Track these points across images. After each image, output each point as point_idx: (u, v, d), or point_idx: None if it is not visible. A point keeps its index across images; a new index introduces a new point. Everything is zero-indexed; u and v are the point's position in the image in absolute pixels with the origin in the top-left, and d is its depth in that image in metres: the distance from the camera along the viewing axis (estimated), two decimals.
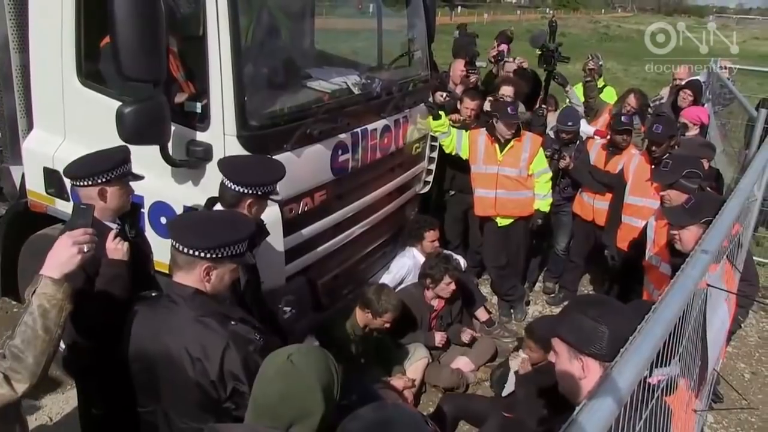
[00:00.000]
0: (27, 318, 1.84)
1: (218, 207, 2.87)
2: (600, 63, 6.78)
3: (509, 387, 3.72)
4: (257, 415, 1.72)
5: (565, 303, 5.36)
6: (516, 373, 3.69)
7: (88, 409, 3.03)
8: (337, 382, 1.76)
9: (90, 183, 2.65)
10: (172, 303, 2.18)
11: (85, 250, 1.97)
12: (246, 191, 2.78)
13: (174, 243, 2.16)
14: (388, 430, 1.41)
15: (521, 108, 5.77)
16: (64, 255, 1.93)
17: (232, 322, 2.19)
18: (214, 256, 2.15)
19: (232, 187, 2.79)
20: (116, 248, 2.58)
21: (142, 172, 3.25)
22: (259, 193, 2.82)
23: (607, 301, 2.12)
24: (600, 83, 6.75)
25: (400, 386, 3.97)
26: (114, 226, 2.77)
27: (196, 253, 2.13)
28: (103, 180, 2.67)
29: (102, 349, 2.56)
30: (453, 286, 4.41)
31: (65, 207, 3.69)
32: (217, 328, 2.12)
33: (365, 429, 1.41)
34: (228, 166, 2.90)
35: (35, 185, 3.78)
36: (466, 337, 4.57)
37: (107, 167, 2.67)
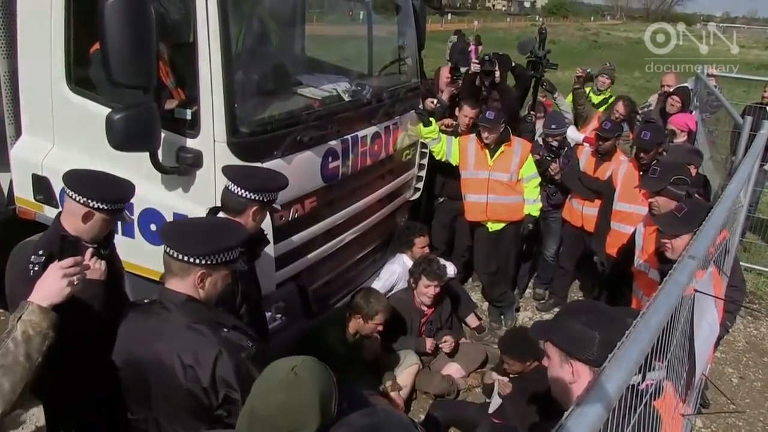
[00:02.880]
0: (9, 343, 1.81)
1: (221, 215, 2.86)
2: (600, 76, 6.92)
3: (495, 403, 3.72)
4: (252, 423, 1.72)
5: (555, 309, 5.40)
6: (499, 394, 3.69)
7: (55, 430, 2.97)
8: (335, 396, 1.76)
9: (80, 201, 2.55)
10: (165, 310, 2.18)
11: (75, 281, 1.96)
12: (253, 197, 2.79)
13: (168, 250, 2.16)
14: None
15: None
16: (54, 286, 1.92)
17: (225, 329, 2.18)
18: (209, 262, 2.15)
19: (239, 193, 2.79)
20: (94, 268, 2.50)
21: (131, 179, 3.25)
22: (265, 200, 2.83)
23: (599, 307, 2.13)
24: (607, 93, 6.88)
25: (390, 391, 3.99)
26: (89, 245, 2.71)
27: (192, 260, 2.13)
28: (93, 206, 2.56)
29: (75, 370, 2.53)
30: (433, 290, 4.41)
31: (54, 214, 3.66)
32: (209, 335, 2.12)
33: None
34: (234, 172, 2.91)
35: (24, 192, 3.76)
36: (446, 347, 4.53)
37: (106, 197, 2.56)
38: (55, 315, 1.90)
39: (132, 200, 3.27)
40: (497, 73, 5.57)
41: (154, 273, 3.34)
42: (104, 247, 2.73)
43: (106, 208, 2.56)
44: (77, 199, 2.54)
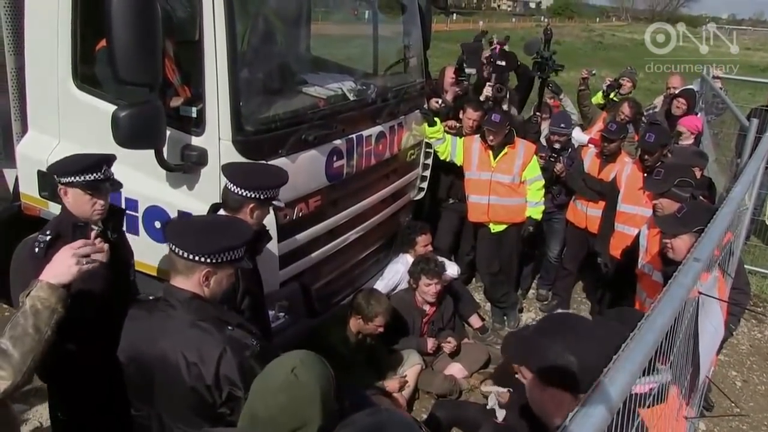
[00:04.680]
0: (19, 317, 1.88)
1: (221, 212, 2.87)
2: (622, 80, 6.91)
3: (500, 413, 3.72)
4: (254, 423, 1.72)
5: (559, 310, 5.38)
6: (499, 402, 3.68)
7: (55, 415, 3.03)
8: (334, 387, 1.77)
9: (57, 180, 2.73)
10: (170, 307, 2.18)
11: (84, 262, 2.02)
12: (248, 195, 2.79)
13: (173, 248, 2.16)
14: None
15: (513, 111, 5.80)
16: (63, 265, 1.99)
17: (229, 327, 2.19)
18: (214, 261, 2.16)
19: (235, 191, 2.80)
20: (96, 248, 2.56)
21: (137, 176, 3.26)
22: (261, 197, 2.83)
23: (574, 324, 1.96)
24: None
25: (395, 387, 3.98)
26: (95, 227, 2.80)
27: (197, 258, 2.14)
28: (63, 181, 2.72)
29: (73, 351, 2.56)
30: (434, 288, 4.40)
31: (59, 210, 3.67)
32: (214, 333, 2.12)
33: None
34: (231, 170, 2.92)
35: (29, 188, 3.77)
36: (448, 348, 4.53)
37: (68, 170, 2.71)
38: (63, 291, 1.97)
39: (137, 197, 3.32)
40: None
41: (158, 270, 3.35)
42: (111, 230, 2.82)
43: (71, 181, 2.70)
44: (55, 179, 2.74)
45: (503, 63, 5.97)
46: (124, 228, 3.38)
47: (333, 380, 1.79)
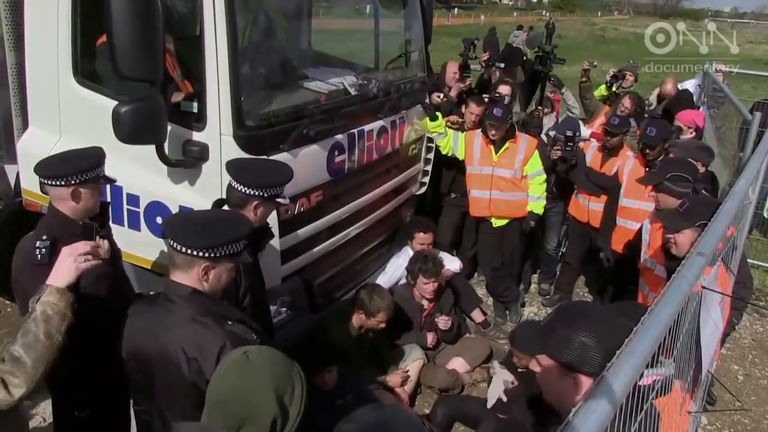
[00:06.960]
0: (30, 324, 1.89)
1: (225, 208, 2.86)
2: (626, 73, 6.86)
3: (492, 397, 3.73)
4: (210, 411, 1.69)
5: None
6: (504, 385, 3.69)
7: (68, 415, 2.98)
8: (302, 393, 1.70)
9: (63, 183, 2.62)
10: (170, 302, 2.18)
11: (82, 261, 2.04)
12: (252, 193, 2.78)
13: (172, 243, 2.16)
14: None
15: (516, 108, 5.78)
16: (65, 268, 2.01)
17: (229, 322, 2.18)
18: (212, 255, 2.15)
19: (239, 188, 2.78)
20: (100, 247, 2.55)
21: (138, 172, 3.26)
22: (265, 195, 2.81)
23: (593, 311, 1.98)
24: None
25: (397, 381, 3.98)
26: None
27: (195, 253, 2.13)
28: (77, 181, 2.63)
29: (91, 350, 2.55)
30: (432, 286, 4.41)
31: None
32: (214, 328, 2.12)
33: (362, 431, 1.40)
34: (235, 167, 2.90)
35: (30, 184, 3.75)
36: (441, 323, 4.53)
37: (82, 168, 2.64)
38: (71, 295, 1.98)
39: (138, 193, 3.32)
40: None
41: (160, 266, 3.35)
42: (101, 226, 2.76)
43: (87, 177, 2.64)
44: (57, 183, 2.62)
45: (502, 65, 5.97)
46: (126, 224, 3.40)
47: (302, 384, 1.70)
